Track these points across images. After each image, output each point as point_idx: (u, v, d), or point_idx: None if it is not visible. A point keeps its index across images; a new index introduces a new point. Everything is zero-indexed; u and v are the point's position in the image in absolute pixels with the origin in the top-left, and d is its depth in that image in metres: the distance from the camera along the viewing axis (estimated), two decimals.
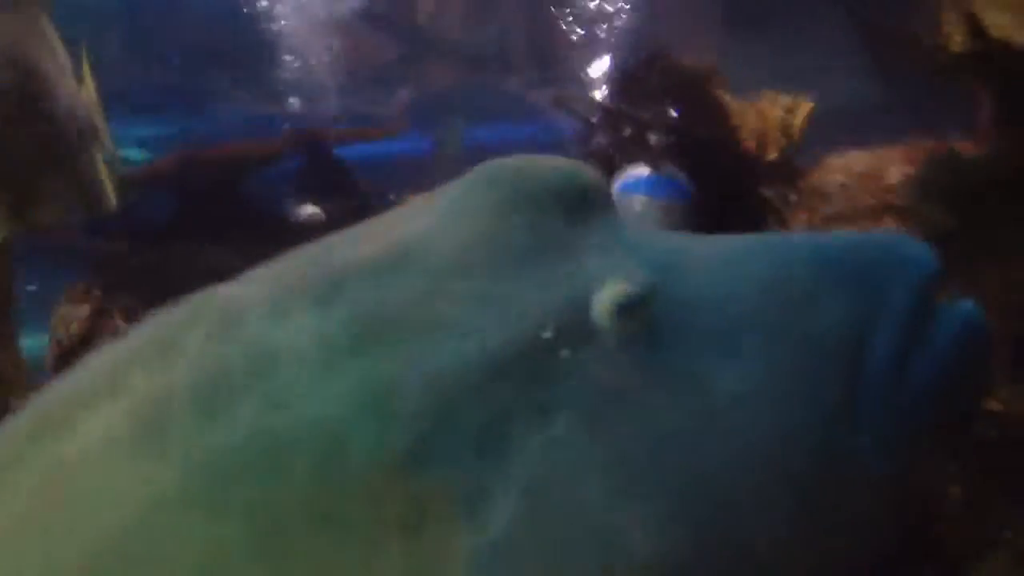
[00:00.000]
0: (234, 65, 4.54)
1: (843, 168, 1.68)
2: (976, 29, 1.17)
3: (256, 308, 0.68)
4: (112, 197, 2.26)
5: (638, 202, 1.20)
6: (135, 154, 4.12)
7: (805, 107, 1.78)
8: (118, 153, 2.45)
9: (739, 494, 0.63)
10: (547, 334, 0.66)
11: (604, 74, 1.64)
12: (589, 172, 0.74)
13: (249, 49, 3.96)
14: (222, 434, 0.64)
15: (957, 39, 1.19)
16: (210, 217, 3.26)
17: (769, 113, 1.74)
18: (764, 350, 0.66)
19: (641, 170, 1.22)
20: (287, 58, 3.82)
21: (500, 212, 0.70)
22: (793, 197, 1.62)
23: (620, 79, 1.47)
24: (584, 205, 0.71)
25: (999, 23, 1.13)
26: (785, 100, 1.76)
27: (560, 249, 0.69)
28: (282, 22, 3.82)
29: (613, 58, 1.67)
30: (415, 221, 0.72)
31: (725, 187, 1.28)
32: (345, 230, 0.75)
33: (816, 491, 0.65)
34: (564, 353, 0.65)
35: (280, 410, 0.64)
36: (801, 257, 0.70)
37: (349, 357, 0.65)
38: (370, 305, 0.67)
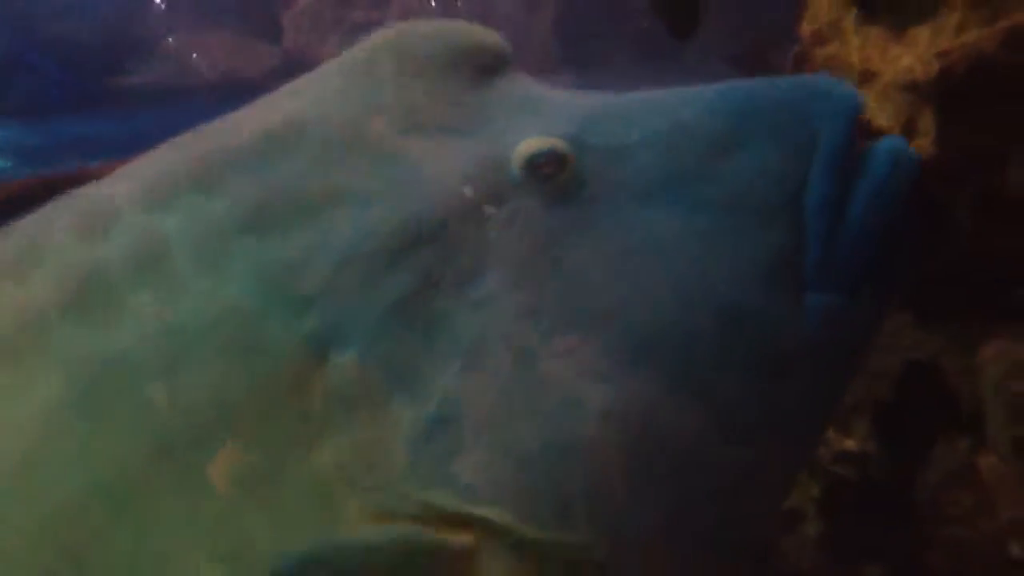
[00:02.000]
0: None
1: None
2: None
3: (130, 202, 0.64)
4: None
5: None
6: None
7: None
8: None
9: (683, 336, 0.61)
10: (467, 193, 0.63)
11: None
12: (484, 32, 0.71)
13: None
14: (109, 337, 0.60)
15: None
16: None
17: None
18: (698, 194, 0.63)
19: None
20: None
21: (397, 79, 0.67)
22: None
23: None
24: (487, 66, 0.69)
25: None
26: None
27: (470, 112, 0.67)
28: None
29: None
30: (301, 98, 0.68)
31: None
32: (219, 119, 0.70)
33: (764, 335, 0.61)
34: (488, 211, 0.63)
35: (177, 300, 0.60)
36: (728, 102, 0.67)
37: (243, 241, 0.62)
38: (257, 186, 0.63)
